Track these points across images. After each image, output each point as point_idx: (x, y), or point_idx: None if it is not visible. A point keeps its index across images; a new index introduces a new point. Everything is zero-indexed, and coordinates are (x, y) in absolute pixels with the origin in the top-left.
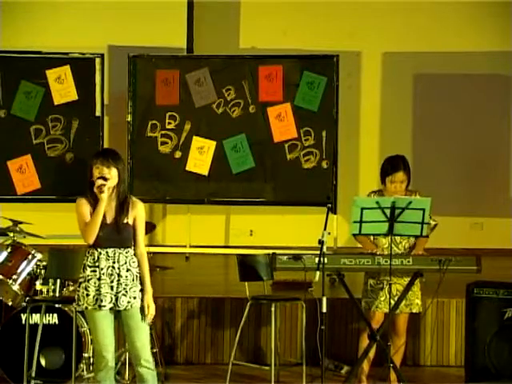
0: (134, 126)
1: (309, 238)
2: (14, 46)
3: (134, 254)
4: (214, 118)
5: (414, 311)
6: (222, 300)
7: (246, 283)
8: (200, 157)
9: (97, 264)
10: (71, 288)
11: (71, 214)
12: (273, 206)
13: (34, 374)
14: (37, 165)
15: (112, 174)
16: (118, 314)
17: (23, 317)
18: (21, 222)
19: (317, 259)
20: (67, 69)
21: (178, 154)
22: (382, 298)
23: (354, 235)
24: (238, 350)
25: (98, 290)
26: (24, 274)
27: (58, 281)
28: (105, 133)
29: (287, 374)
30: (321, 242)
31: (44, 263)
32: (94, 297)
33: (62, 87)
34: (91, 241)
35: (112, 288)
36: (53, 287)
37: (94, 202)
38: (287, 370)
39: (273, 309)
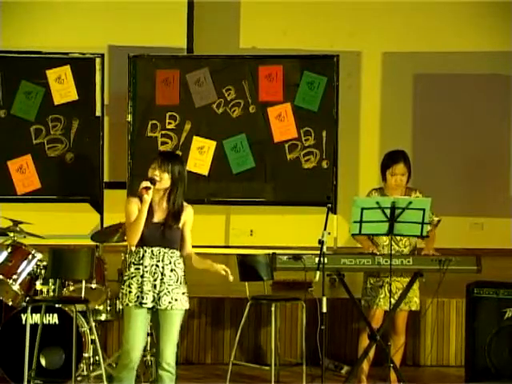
0: (134, 126)
1: (309, 238)
2: (14, 46)
3: (181, 256)
4: (214, 118)
5: (412, 309)
6: (222, 300)
7: (246, 283)
8: (200, 157)
9: (141, 262)
10: (71, 288)
11: (71, 214)
12: (273, 206)
13: (34, 374)
14: (37, 165)
15: (163, 177)
16: (155, 314)
17: (23, 317)
18: (21, 222)
19: (317, 259)
20: (67, 69)
21: None
22: (382, 296)
23: (353, 235)
24: (238, 350)
25: (141, 287)
26: (24, 274)
27: (58, 281)
28: (105, 133)
29: (287, 374)
30: (321, 242)
31: (44, 263)
32: (135, 294)
33: (62, 87)
34: (134, 242)
35: (155, 286)
36: (53, 287)
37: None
38: (287, 370)
39: (273, 309)
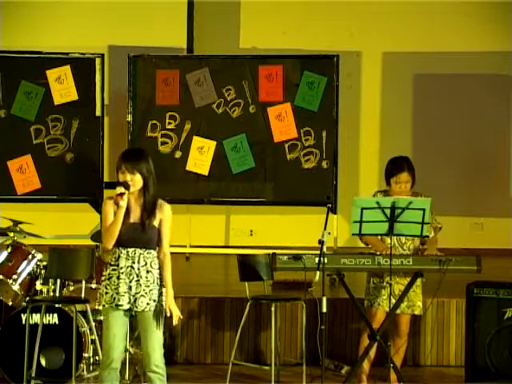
0: (134, 126)
1: (309, 238)
2: (14, 46)
3: (157, 257)
4: (214, 118)
5: (415, 313)
6: (222, 300)
7: (246, 283)
8: (200, 157)
9: (117, 263)
10: (71, 288)
11: (71, 214)
12: (273, 206)
13: (33, 374)
14: (37, 165)
15: (135, 179)
16: (134, 316)
17: (23, 317)
18: (21, 222)
19: (317, 259)
20: (67, 69)
21: (178, 154)
22: (385, 297)
23: (360, 236)
24: (237, 350)
25: (117, 289)
26: (24, 274)
27: (58, 281)
28: (105, 133)
29: (287, 374)
30: (321, 242)
31: (44, 263)
32: (111, 295)
33: (62, 87)
34: (109, 246)
35: (130, 288)
36: (53, 287)
37: None
38: (287, 370)
39: (273, 309)
